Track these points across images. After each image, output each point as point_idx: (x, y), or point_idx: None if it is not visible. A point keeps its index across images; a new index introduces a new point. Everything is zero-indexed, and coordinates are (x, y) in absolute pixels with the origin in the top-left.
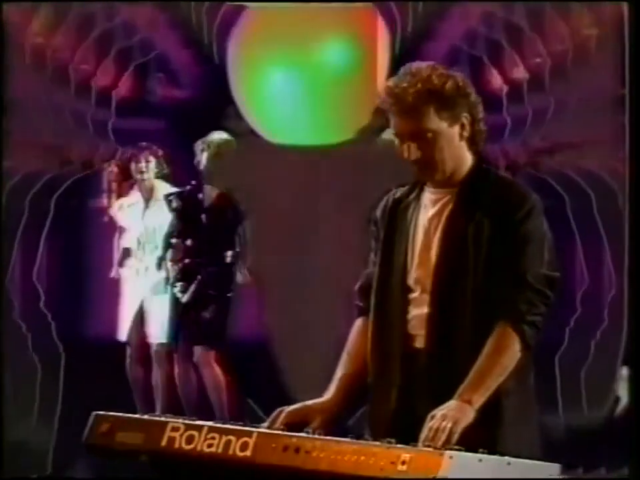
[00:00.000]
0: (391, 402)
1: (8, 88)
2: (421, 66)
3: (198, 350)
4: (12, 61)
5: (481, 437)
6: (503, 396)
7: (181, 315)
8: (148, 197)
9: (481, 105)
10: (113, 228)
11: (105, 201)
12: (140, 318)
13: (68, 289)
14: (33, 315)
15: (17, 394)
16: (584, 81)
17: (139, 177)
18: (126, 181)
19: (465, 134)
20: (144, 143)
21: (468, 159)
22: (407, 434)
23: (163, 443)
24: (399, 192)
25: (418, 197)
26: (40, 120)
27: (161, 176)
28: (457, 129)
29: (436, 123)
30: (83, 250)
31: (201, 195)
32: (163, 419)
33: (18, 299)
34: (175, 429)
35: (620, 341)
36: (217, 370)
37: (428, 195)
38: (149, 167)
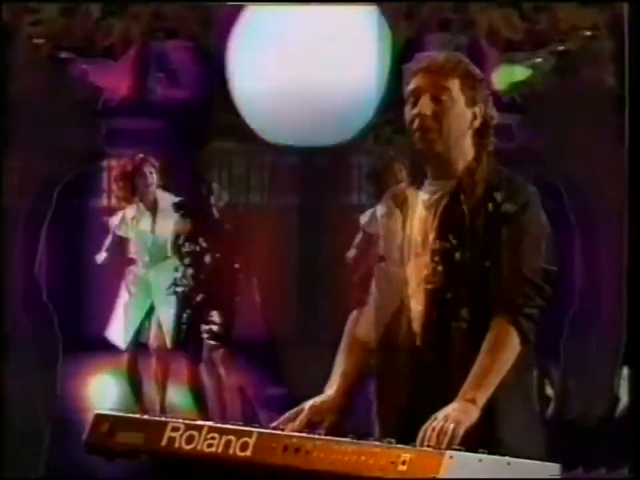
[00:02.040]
0: (398, 400)
1: (9, 87)
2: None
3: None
4: (13, 60)
5: (483, 433)
6: (500, 390)
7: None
8: (153, 207)
9: (494, 109)
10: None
11: (105, 201)
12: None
13: (68, 289)
14: (32, 313)
15: (17, 393)
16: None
17: (145, 189)
18: (128, 190)
19: (476, 124)
20: (141, 155)
21: (469, 152)
22: (415, 432)
23: (163, 442)
24: (399, 188)
25: (417, 190)
26: (41, 119)
27: (161, 186)
28: (469, 113)
29: (456, 90)
30: (83, 250)
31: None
32: (163, 418)
33: (18, 297)
34: (175, 429)
35: (620, 341)
36: (225, 370)
37: (426, 187)
38: (151, 178)
